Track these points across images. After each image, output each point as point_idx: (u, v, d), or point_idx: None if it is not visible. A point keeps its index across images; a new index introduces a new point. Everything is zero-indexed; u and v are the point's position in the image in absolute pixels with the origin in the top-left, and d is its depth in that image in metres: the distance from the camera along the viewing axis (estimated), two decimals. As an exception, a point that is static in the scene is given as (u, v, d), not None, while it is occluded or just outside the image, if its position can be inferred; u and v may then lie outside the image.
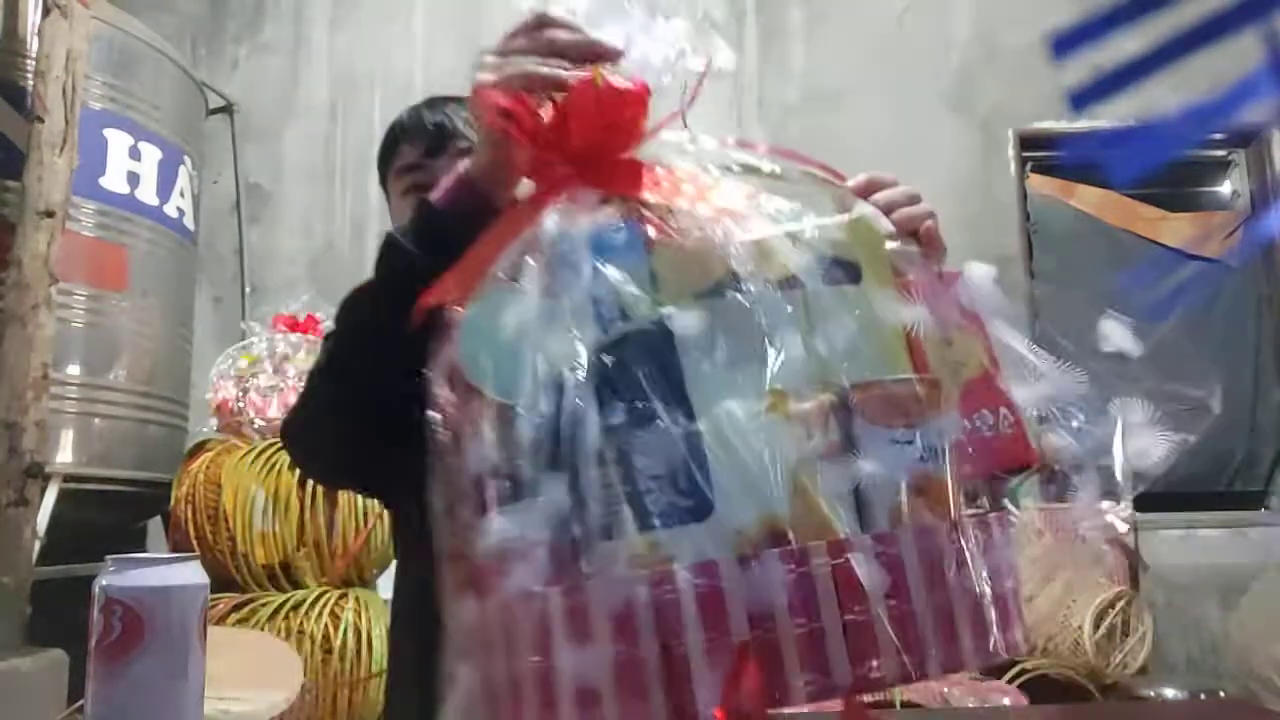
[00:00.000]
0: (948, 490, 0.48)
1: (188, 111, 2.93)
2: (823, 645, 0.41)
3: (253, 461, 2.32)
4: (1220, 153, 3.49)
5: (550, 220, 0.52)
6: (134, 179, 2.61)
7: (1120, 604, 2.60)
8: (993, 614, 0.45)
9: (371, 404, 0.80)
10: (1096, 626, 2.51)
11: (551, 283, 0.49)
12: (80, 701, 0.66)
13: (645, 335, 0.48)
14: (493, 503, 0.47)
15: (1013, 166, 3.39)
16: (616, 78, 0.57)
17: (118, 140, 2.57)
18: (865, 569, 0.42)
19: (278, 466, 2.31)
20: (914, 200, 0.71)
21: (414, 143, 1.01)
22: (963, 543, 0.45)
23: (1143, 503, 2.99)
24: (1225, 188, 3.53)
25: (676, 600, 0.41)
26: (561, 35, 0.65)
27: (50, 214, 2.10)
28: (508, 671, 0.45)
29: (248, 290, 3.32)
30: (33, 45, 2.30)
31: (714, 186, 0.56)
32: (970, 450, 0.52)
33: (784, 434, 0.45)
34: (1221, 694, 2.50)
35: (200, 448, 2.50)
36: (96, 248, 2.51)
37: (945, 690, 2.38)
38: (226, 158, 3.40)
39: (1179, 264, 3.23)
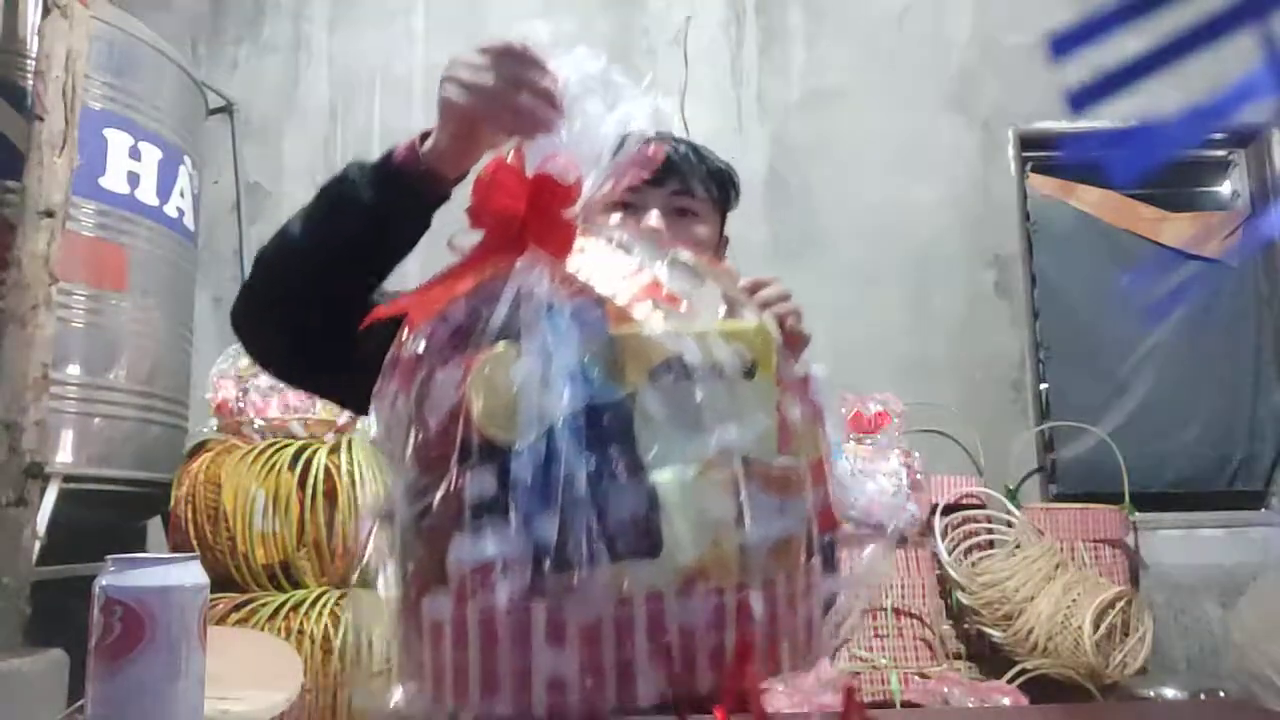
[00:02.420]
0: (800, 549, 0.62)
1: (188, 111, 2.93)
2: (723, 653, 0.56)
3: (253, 461, 2.32)
4: (1220, 153, 3.49)
5: (539, 285, 0.62)
6: (134, 179, 2.61)
7: (1120, 604, 2.60)
8: (814, 635, 0.63)
9: (293, 297, 0.86)
10: (1096, 626, 2.51)
11: (546, 346, 0.59)
12: (80, 701, 0.66)
13: (618, 404, 0.59)
14: (481, 524, 0.56)
15: (1013, 166, 3.39)
16: (557, 160, 0.67)
17: (118, 140, 2.57)
18: (757, 604, 0.57)
19: (278, 466, 2.31)
20: (786, 297, 0.84)
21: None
22: (804, 586, 0.62)
23: (1143, 503, 3.00)
24: (1225, 188, 3.53)
25: (631, 618, 0.55)
26: (527, 74, 0.71)
27: (50, 214, 2.10)
28: (483, 663, 0.56)
29: (248, 290, 3.32)
30: (33, 45, 2.30)
31: (632, 270, 0.67)
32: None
33: (711, 496, 0.58)
34: (1221, 694, 2.50)
35: (200, 448, 2.50)
36: (96, 248, 2.51)
37: (945, 690, 2.39)
38: (226, 158, 3.40)
39: (1179, 264, 3.23)
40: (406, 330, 0.66)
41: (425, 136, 0.82)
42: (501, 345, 0.60)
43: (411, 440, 0.61)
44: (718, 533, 0.57)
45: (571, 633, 0.54)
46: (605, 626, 0.54)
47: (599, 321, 0.61)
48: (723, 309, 0.69)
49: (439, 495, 0.58)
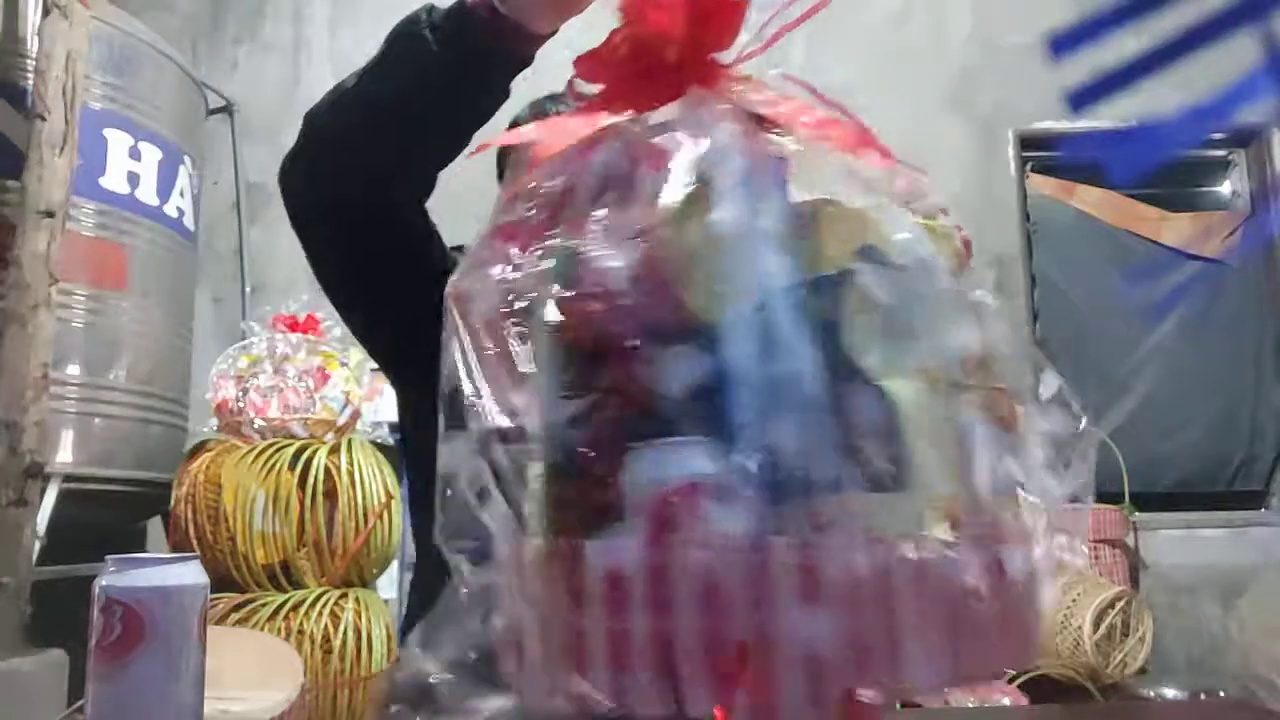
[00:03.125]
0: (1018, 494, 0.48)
1: (188, 111, 2.93)
2: (1006, 627, 0.41)
3: (253, 461, 2.32)
4: (1220, 153, 3.49)
5: (718, 127, 0.47)
6: (134, 179, 2.61)
7: (1120, 604, 2.60)
8: (1039, 620, 0.46)
9: (343, 146, 0.77)
10: (1096, 626, 2.51)
11: (749, 201, 0.43)
12: (80, 701, 0.66)
13: (833, 283, 0.43)
14: (678, 430, 0.41)
15: (1013, 166, 3.39)
16: None
17: (118, 140, 2.57)
18: (1018, 561, 0.42)
19: (278, 466, 2.31)
20: (945, 210, 0.71)
21: None
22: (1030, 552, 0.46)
23: (1143, 503, 2.99)
24: (1225, 188, 3.53)
25: (894, 570, 0.38)
26: None
27: (50, 214, 2.10)
28: (696, 628, 0.38)
29: (248, 290, 3.32)
30: (33, 45, 2.30)
31: (821, 119, 0.52)
32: None
33: (952, 414, 0.43)
34: (1221, 694, 2.50)
35: (200, 448, 2.50)
36: (96, 248, 2.51)
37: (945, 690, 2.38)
38: (226, 158, 3.40)
39: (1179, 264, 3.23)
40: (517, 184, 0.50)
41: None
42: (694, 189, 0.45)
43: (555, 318, 0.44)
44: (959, 463, 0.42)
45: (830, 587, 0.37)
46: (867, 579, 0.37)
47: (784, 182, 0.47)
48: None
49: (603, 393, 0.42)
